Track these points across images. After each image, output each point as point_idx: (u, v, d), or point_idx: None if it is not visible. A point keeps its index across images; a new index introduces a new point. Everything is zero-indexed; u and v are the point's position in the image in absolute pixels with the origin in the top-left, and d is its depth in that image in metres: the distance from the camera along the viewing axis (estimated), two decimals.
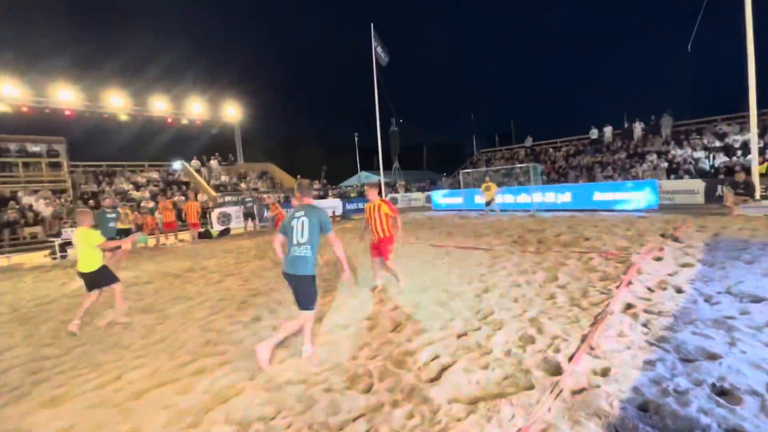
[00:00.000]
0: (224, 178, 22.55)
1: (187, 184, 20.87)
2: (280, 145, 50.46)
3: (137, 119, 21.61)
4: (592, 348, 2.94)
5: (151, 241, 12.37)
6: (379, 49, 18.65)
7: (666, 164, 16.55)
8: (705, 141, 17.10)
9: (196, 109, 23.05)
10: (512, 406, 2.30)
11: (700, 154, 16.31)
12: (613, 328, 3.27)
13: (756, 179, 10.39)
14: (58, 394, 2.97)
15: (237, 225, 15.89)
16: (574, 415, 2.19)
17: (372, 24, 18.39)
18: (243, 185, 22.15)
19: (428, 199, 21.04)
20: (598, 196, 13.32)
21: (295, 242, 3.27)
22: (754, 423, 2.01)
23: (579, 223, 10.21)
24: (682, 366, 2.61)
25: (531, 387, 2.52)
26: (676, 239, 6.85)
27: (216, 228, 14.88)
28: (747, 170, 11.16)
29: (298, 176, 24.79)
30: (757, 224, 7.94)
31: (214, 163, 23.27)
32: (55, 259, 10.67)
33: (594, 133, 22.07)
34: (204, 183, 20.67)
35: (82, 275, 4.54)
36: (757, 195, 10.30)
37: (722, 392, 2.31)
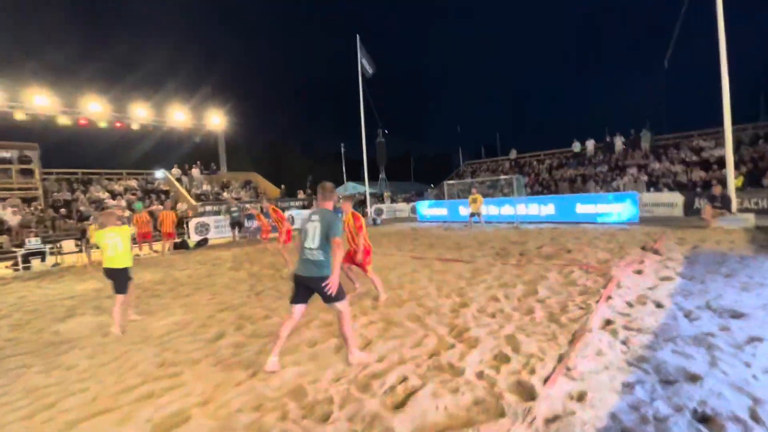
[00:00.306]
0: (206, 187, 22.05)
1: (166, 192, 20.33)
2: (266, 154, 49.91)
3: (116, 127, 21.04)
4: (568, 369, 2.76)
5: None
6: (364, 61, 18.70)
7: (646, 177, 16.85)
8: (683, 155, 17.50)
9: (178, 116, 22.62)
10: None
11: (677, 168, 16.66)
12: (592, 346, 3.11)
13: (732, 193, 10.57)
14: None
15: (217, 235, 15.46)
16: None
17: (357, 35, 18.46)
18: (225, 194, 21.68)
19: (413, 210, 20.93)
20: (581, 208, 13.39)
21: (306, 246, 3.19)
22: None
23: (561, 234, 10.19)
24: (662, 389, 2.45)
25: (502, 414, 2.32)
26: (656, 252, 6.82)
27: (193, 238, 14.42)
28: (723, 184, 11.38)
29: (282, 186, 24.50)
30: (735, 237, 8.01)
31: (195, 171, 22.78)
32: (17, 270, 10.09)
33: (576, 146, 22.44)
34: (185, 192, 20.15)
35: (115, 271, 4.65)
36: (734, 208, 10.46)
37: (704, 418, 2.15)
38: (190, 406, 2.71)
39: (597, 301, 4.26)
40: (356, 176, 39.36)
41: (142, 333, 4.42)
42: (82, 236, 11.37)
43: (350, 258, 5.03)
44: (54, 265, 10.75)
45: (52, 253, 11.14)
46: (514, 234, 11.11)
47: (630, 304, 4.13)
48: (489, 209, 15.53)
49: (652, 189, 15.70)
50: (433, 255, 8.36)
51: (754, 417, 2.13)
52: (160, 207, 15.32)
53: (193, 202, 18.82)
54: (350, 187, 39.87)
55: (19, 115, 17.84)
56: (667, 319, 3.64)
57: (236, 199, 20.43)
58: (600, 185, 17.59)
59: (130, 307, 5.03)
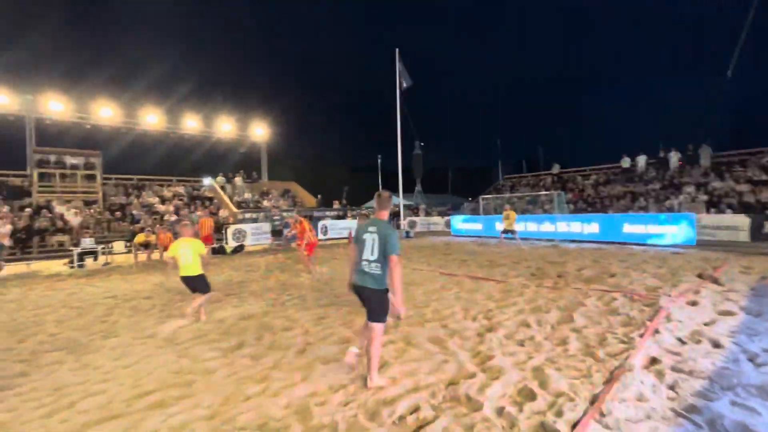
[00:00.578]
0: (247, 195, 22.97)
1: (211, 199, 21.37)
2: (307, 164, 51.47)
3: (170, 136, 22.67)
4: (602, 414, 2.44)
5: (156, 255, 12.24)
6: (403, 73, 18.84)
7: (706, 197, 15.44)
8: (750, 173, 15.89)
9: (225, 127, 24.06)
10: None
11: (743, 187, 15.13)
12: (632, 388, 2.74)
13: None
14: (1, 421, 2.75)
15: (253, 242, 15.94)
16: None
17: (396, 49, 18.66)
18: (265, 202, 22.45)
19: (448, 224, 20.52)
20: (629, 228, 12.46)
21: (365, 258, 3.14)
22: None
23: (605, 256, 9.48)
24: None
25: None
26: (715, 281, 6.11)
27: (231, 244, 14.95)
28: None
29: (319, 196, 24.99)
30: None
31: (238, 180, 23.81)
32: (72, 267, 10.91)
33: (626, 162, 21.11)
34: (227, 199, 21.08)
35: (190, 278, 5.12)
36: None
37: None
38: (195, 419, 2.68)
39: (641, 335, 3.82)
40: (393, 188, 39.43)
41: (168, 338, 4.53)
42: (131, 238, 12.14)
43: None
44: (104, 264, 11.53)
45: (103, 253, 11.97)
46: (553, 253, 10.50)
47: (681, 341, 3.66)
48: (527, 226, 14.87)
49: (712, 210, 14.32)
50: (464, 272, 8.04)
51: None
52: (200, 213, 16.08)
53: (234, 209, 19.62)
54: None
55: (87, 125, 19.78)
56: (726, 362, 3.17)
57: (274, 207, 21.09)
58: (652, 204, 16.32)
59: (203, 307, 5.24)
